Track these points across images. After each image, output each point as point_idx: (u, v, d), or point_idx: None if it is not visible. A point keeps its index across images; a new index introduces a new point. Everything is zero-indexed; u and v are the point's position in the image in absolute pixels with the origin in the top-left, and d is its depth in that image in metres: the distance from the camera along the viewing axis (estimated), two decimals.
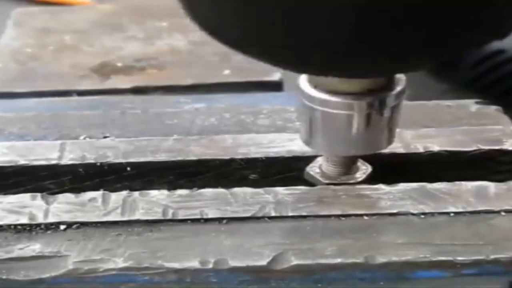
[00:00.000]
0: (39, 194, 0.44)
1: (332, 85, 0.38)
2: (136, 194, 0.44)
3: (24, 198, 0.44)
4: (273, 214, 0.42)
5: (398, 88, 0.39)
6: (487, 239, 0.40)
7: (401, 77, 0.40)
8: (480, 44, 0.33)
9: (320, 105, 0.39)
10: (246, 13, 0.30)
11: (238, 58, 0.50)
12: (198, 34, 0.40)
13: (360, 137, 0.40)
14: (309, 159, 0.47)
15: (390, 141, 0.42)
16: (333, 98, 0.38)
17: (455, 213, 0.42)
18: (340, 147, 0.41)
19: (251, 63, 0.36)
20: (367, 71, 0.35)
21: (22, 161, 0.47)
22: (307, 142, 0.43)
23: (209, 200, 0.43)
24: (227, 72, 0.64)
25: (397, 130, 0.48)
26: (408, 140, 0.48)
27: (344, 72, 0.35)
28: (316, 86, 0.39)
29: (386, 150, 0.44)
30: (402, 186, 0.44)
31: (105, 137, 0.50)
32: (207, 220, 0.42)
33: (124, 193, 0.44)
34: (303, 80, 0.40)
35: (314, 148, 0.43)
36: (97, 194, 0.44)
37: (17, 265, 0.39)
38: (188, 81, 0.61)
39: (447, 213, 0.42)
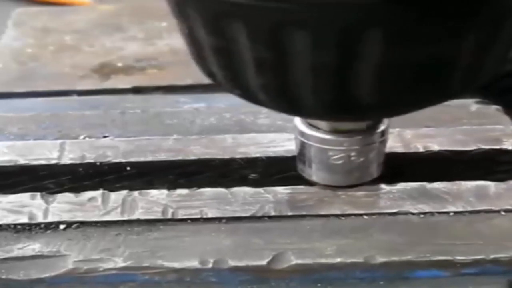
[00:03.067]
0: (38, 194, 0.44)
1: (324, 125, 0.42)
2: (135, 193, 0.44)
3: (23, 197, 0.44)
4: (272, 213, 0.42)
5: (382, 127, 0.42)
6: (487, 238, 0.40)
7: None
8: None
9: (314, 142, 0.42)
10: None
11: None
12: None
13: (352, 169, 0.43)
14: None
15: (379, 170, 0.45)
16: (326, 136, 0.42)
17: (455, 212, 0.42)
18: (333, 178, 0.44)
19: None
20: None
21: (22, 161, 0.47)
22: (302, 171, 0.45)
23: (209, 200, 0.43)
24: None
25: (397, 129, 0.48)
26: (408, 139, 0.48)
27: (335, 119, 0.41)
28: (309, 124, 0.42)
29: (386, 150, 0.44)
30: (402, 185, 0.44)
31: (104, 136, 0.50)
32: (207, 220, 0.42)
33: (124, 192, 0.44)
34: (297, 120, 0.43)
35: (309, 178, 0.45)
36: (97, 193, 0.44)
37: (16, 264, 0.39)
38: (188, 81, 0.61)
39: (447, 213, 0.42)
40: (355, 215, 0.42)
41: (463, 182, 0.44)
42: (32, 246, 0.40)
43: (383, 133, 0.43)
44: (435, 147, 0.48)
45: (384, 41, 0.29)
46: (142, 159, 0.47)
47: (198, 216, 0.42)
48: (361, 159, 0.43)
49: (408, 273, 0.39)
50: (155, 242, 0.40)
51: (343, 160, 0.42)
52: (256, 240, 0.40)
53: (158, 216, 0.42)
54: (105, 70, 0.66)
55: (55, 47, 0.70)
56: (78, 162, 0.47)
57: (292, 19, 0.29)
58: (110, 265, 0.39)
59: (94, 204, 0.43)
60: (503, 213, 0.42)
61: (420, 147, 0.48)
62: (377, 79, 0.32)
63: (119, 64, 0.66)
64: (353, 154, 0.42)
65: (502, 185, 0.44)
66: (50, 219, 0.42)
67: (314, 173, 0.44)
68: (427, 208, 0.42)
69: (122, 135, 0.50)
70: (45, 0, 1.02)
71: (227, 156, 0.47)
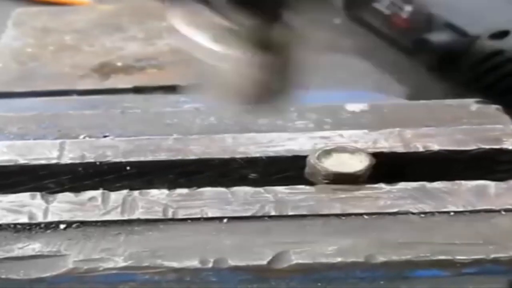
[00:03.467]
0: (38, 193, 0.44)
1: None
2: (135, 193, 0.44)
3: (23, 197, 0.44)
4: (273, 213, 0.42)
5: None
6: (487, 238, 0.40)
7: None
8: None
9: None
10: None
11: None
12: None
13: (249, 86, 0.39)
14: None
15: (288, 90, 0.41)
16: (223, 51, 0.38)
17: (455, 212, 0.42)
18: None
19: None
20: None
21: (21, 160, 0.47)
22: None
23: (209, 199, 0.43)
24: None
25: (398, 129, 0.48)
26: (408, 139, 0.48)
27: None
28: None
29: (386, 149, 0.44)
30: (402, 185, 0.44)
31: (104, 136, 0.50)
32: (207, 219, 0.42)
33: (124, 192, 0.44)
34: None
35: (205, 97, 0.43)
36: (97, 193, 0.44)
37: (16, 264, 0.39)
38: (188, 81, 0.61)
39: (447, 212, 0.42)
40: (356, 214, 0.42)
41: (463, 182, 0.44)
42: (32, 246, 0.40)
43: None
44: (435, 147, 0.48)
45: None
46: (142, 158, 0.47)
47: (198, 216, 0.42)
48: None
49: (408, 273, 0.39)
50: (155, 242, 0.40)
51: None
52: (256, 240, 0.40)
53: (159, 215, 0.42)
54: (105, 69, 0.66)
55: (55, 47, 0.70)
56: (78, 161, 0.47)
57: None
58: (110, 264, 0.39)
59: (94, 203, 0.43)
60: (503, 212, 0.42)
61: (420, 147, 0.48)
62: None
63: (119, 64, 0.67)
64: None
65: (502, 185, 0.44)
66: (50, 218, 0.42)
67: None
68: (427, 208, 0.42)
69: (122, 135, 0.50)
70: (45, 0, 1.02)
71: (227, 156, 0.47)
